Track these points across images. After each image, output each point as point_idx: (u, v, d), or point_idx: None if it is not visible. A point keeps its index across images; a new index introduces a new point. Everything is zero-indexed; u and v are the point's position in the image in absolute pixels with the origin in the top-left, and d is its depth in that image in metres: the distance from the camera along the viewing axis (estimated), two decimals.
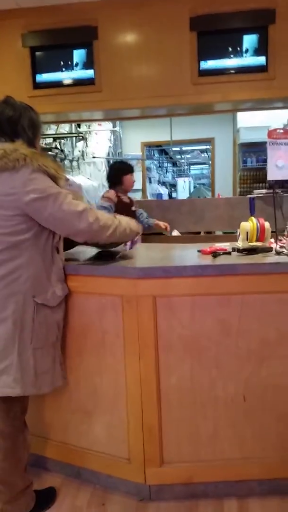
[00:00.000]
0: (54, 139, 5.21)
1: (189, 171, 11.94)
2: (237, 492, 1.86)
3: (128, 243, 1.99)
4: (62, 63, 3.16)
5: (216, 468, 1.83)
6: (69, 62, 3.16)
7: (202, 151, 10.42)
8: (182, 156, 11.22)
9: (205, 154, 10.37)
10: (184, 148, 10.32)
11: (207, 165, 10.53)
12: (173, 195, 10.30)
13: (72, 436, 1.98)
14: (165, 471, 1.84)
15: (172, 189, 11.04)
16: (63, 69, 3.16)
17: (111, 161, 6.06)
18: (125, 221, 1.81)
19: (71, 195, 1.63)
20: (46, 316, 1.66)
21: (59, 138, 5.22)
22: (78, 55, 3.13)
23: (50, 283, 1.68)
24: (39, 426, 2.04)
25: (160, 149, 9.84)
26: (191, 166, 11.99)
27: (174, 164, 11.80)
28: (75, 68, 3.15)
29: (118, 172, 3.61)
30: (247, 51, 2.96)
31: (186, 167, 11.70)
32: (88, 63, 3.13)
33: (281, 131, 1.71)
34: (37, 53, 3.18)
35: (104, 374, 1.85)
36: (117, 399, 1.84)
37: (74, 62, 3.15)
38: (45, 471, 2.07)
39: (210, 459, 1.83)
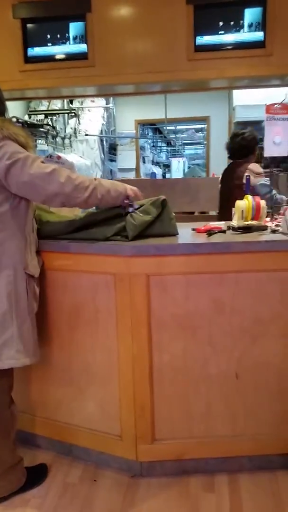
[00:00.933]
0: (46, 116, 5.11)
1: (184, 151, 11.82)
2: (227, 468, 1.88)
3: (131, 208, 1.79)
4: (54, 36, 3.06)
5: (207, 445, 1.85)
6: (62, 36, 3.05)
7: (197, 130, 10.29)
8: (177, 136, 11.08)
9: (200, 133, 10.25)
10: (179, 127, 10.19)
11: (202, 146, 10.42)
12: (167, 175, 10.20)
13: (64, 413, 1.98)
14: (157, 448, 1.85)
15: (166, 169, 10.94)
16: (56, 43, 3.06)
17: (104, 139, 5.98)
18: (108, 182, 1.71)
19: (40, 158, 1.58)
20: (34, 286, 1.69)
21: (51, 114, 5.12)
22: (71, 28, 3.03)
23: (32, 254, 1.68)
24: (30, 403, 2.04)
25: (155, 128, 9.70)
26: (186, 146, 11.86)
27: (169, 143, 11.66)
28: (68, 42, 3.05)
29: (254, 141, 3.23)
30: (244, 26, 2.88)
31: (180, 147, 11.58)
32: (81, 37, 3.02)
33: (279, 105, 1.67)
34: (29, 26, 3.06)
35: (96, 351, 1.85)
36: (109, 377, 1.84)
37: (67, 36, 3.05)
38: (37, 448, 2.08)
39: (202, 435, 1.85)
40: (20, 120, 3.78)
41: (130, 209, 1.74)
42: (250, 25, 2.88)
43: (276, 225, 1.92)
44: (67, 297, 1.84)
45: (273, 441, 1.85)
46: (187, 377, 1.80)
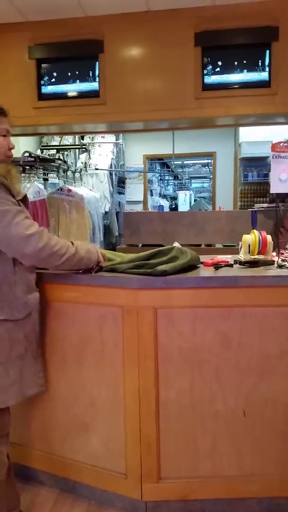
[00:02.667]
0: (58, 150, 5.25)
1: (190, 185, 12.00)
2: (235, 510, 1.82)
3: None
4: (67, 75, 3.19)
5: (214, 485, 1.80)
6: (74, 75, 3.18)
7: (203, 165, 10.49)
8: (184, 170, 11.29)
9: (206, 168, 10.43)
10: (185, 162, 10.39)
11: (208, 179, 10.58)
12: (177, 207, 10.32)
13: (68, 449, 1.94)
14: (162, 487, 1.80)
15: (173, 202, 11.08)
16: (68, 81, 3.19)
17: (113, 173, 6.10)
18: (84, 249, 1.68)
19: (24, 214, 1.51)
20: (8, 330, 1.58)
21: (62, 149, 5.26)
22: (84, 67, 3.16)
23: (13, 295, 1.58)
24: (34, 438, 2.00)
25: (162, 162, 9.90)
26: (192, 180, 12.05)
27: (176, 177, 11.87)
28: (80, 80, 3.18)
29: None
30: (250, 66, 2.99)
31: (187, 180, 11.77)
32: (93, 76, 3.15)
33: (285, 144, 1.71)
34: (43, 65, 3.21)
35: (102, 385, 1.83)
36: (115, 412, 1.82)
37: (79, 75, 3.18)
38: (40, 485, 2.03)
39: (209, 475, 1.80)
40: (32, 155, 3.89)
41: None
42: (255, 66, 2.99)
43: (283, 260, 1.93)
44: (75, 329, 1.84)
45: (281, 483, 1.79)
46: (194, 413, 1.77)
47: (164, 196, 10.86)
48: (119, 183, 6.96)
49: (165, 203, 9.62)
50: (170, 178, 11.80)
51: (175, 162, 9.74)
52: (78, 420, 1.90)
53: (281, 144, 1.72)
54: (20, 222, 1.48)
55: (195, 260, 1.91)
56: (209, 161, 8.68)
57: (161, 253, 1.85)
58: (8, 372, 1.60)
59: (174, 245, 2.01)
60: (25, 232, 1.47)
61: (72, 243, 1.66)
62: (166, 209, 8.98)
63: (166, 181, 11.55)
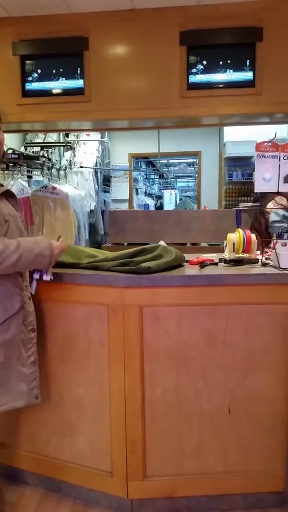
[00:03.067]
0: (42, 148, 5.20)
1: (176, 184, 12.04)
2: (220, 507, 1.83)
3: (36, 274, 1.68)
4: (52, 72, 3.16)
5: (199, 482, 1.81)
6: (59, 72, 3.16)
7: (188, 164, 10.53)
8: (169, 169, 11.31)
9: (192, 168, 10.47)
10: (171, 161, 10.41)
11: (193, 178, 10.64)
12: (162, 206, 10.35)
13: (53, 449, 1.93)
14: (148, 485, 1.80)
15: (158, 200, 11.10)
16: (53, 78, 3.16)
17: (99, 171, 6.07)
18: (28, 254, 1.51)
19: None
20: None
21: (47, 146, 5.21)
22: (68, 65, 3.14)
23: None
24: (19, 438, 1.99)
25: (148, 161, 9.90)
26: (178, 179, 12.09)
27: (161, 176, 11.89)
28: (64, 77, 3.15)
29: None
30: (234, 66, 3.01)
31: (172, 179, 11.80)
32: (78, 73, 3.13)
33: (269, 144, 1.73)
34: (27, 62, 3.17)
35: (88, 385, 1.82)
36: (100, 411, 1.81)
37: (64, 72, 3.15)
38: (25, 485, 2.01)
39: (194, 472, 1.81)
40: (16, 152, 3.86)
41: (45, 278, 1.66)
42: (240, 66, 3.01)
43: (267, 258, 1.95)
44: (60, 329, 1.83)
45: (265, 478, 1.81)
46: (180, 411, 1.78)
47: (149, 195, 10.87)
48: (105, 182, 6.94)
49: (151, 202, 9.62)
50: (155, 177, 11.82)
51: (161, 161, 9.75)
52: (63, 420, 1.89)
53: (265, 143, 1.73)
54: None
55: (180, 259, 1.92)
56: (194, 160, 8.73)
57: (146, 251, 1.86)
58: None
59: (159, 243, 2.02)
60: None
61: (18, 247, 1.50)
62: (152, 208, 8.99)
63: (151, 180, 11.57)
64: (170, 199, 9.80)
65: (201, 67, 3.04)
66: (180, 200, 10.02)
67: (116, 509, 1.85)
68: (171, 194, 9.89)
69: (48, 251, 1.57)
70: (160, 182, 12.10)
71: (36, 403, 1.67)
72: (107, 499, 1.86)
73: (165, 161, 10.27)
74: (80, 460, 1.88)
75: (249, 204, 3.92)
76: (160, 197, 11.14)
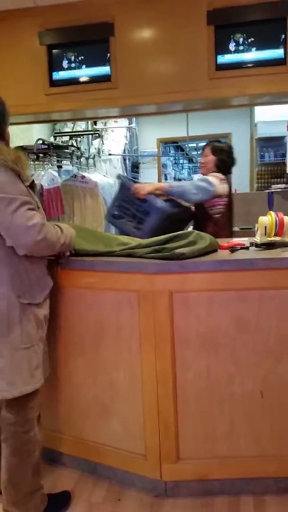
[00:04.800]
0: (71, 137, 5.24)
1: None
2: (253, 490, 1.84)
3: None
4: (78, 60, 3.16)
5: (232, 465, 1.82)
6: (85, 59, 3.15)
7: None
8: (199, 152, 11.12)
9: None
10: (200, 144, 10.22)
11: None
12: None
13: (89, 431, 1.99)
14: (181, 468, 1.83)
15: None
16: (80, 67, 3.16)
17: (127, 158, 6.06)
18: (69, 234, 1.73)
19: (29, 204, 1.50)
20: (34, 313, 1.62)
21: (75, 135, 5.24)
22: (94, 52, 3.13)
23: (32, 280, 1.62)
24: (56, 421, 2.05)
25: (176, 146, 9.78)
26: None
27: (190, 160, 11.72)
28: (91, 65, 3.15)
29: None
30: (264, 44, 2.91)
31: None
32: (104, 60, 3.12)
33: None
34: (54, 51, 3.18)
35: (120, 368, 1.86)
36: (133, 394, 1.84)
37: (90, 59, 3.14)
38: (63, 467, 2.08)
39: (226, 455, 1.82)
40: (46, 142, 3.90)
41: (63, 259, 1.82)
42: (270, 43, 2.91)
43: None
44: (92, 315, 1.87)
45: None
46: (211, 395, 1.78)
47: (179, 180, 10.77)
48: (133, 168, 6.92)
49: None
50: (184, 162, 11.66)
51: (190, 145, 9.61)
52: (97, 402, 1.93)
53: None
54: (24, 213, 1.48)
55: (214, 245, 1.90)
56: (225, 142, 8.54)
57: (179, 237, 1.85)
58: (37, 354, 1.65)
59: (189, 229, 2.01)
60: (27, 223, 1.47)
61: (61, 229, 1.68)
62: None
63: (180, 165, 11.42)
64: None
65: (230, 46, 2.96)
66: None
67: (150, 490, 1.89)
68: None
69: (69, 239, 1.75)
70: (189, 166, 11.94)
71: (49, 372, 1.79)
72: (141, 481, 1.90)
73: (195, 145, 10.11)
74: (114, 442, 1.93)
75: (282, 185, 3.82)
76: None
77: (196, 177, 9.38)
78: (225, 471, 1.83)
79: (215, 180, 2.73)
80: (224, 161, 2.96)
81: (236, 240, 2.04)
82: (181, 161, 11.28)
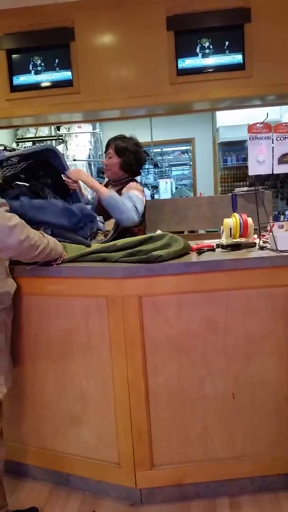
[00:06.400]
0: (34, 143, 5.16)
1: (171, 172, 11.95)
2: (229, 491, 1.84)
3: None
4: (39, 65, 3.12)
5: (207, 468, 1.82)
6: (46, 64, 3.12)
7: (183, 152, 10.45)
8: (163, 157, 11.22)
9: (186, 155, 10.40)
10: (165, 149, 10.33)
11: (188, 166, 10.56)
12: (155, 196, 10.29)
13: (60, 442, 1.94)
14: (156, 474, 1.81)
15: (154, 190, 11.03)
16: (41, 71, 3.12)
17: (92, 164, 6.02)
18: (52, 241, 1.72)
19: (5, 206, 1.49)
20: (2, 317, 1.65)
21: (38, 141, 5.17)
22: (55, 56, 3.09)
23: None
24: (25, 434, 1.99)
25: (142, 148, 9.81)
26: (172, 167, 12.00)
27: (156, 165, 11.79)
28: (52, 70, 3.11)
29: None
30: (224, 49, 2.97)
31: (167, 168, 11.71)
32: (66, 65, 3.09)
33: (261, 125, 1.71)
34: (14, 56, 3.13)
35: (91, 377, 1.82)
36: (105, 402, 1.81)
37: (51, 64, 3.11)
38: (33, 480, 2.02)
39: (201, 459, 1.81)
40: (8, 148, 3.82)
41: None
42: (229, 48, 2.97)
43: (264, 242, 1.94)
44: (60, 323, 1.82)
45: (272, 461, 1.82)
46: (184, 399, 1.78)
47: (145, 185, 10.80)
48: (98, 174, 6.88)
49: (147, 192, 9.57)
50: (150, 167, 11.72)
51: (154, 150, 9.67)
52: (68, 413, 1.89)
53: (257, 125, 1.71)
54: (2, 213, 1.46)
55: (187, 248, 1.89)
56: (188, 147, 8.67)
57: (153, 239, 1.83)
58: (7, 358, 1.66)
59: (157, 233, 2.00)
60: (7, 223, 1.45)
61: (43, 234, 1.66)
62: (148, 198, 8.94)
63: (146, 170, 11.48)
64: (166, 188, 9.74)
65: (190, 52, 2.99)
66: (176, 188, 9.96)
67: (125, 499, 1.86)
68: (166, 183, 9.82)
69: (61, 249, 1.78)
70: (155, 171, 12.01)
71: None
72: (116, 490, 1.87)
73: (159, 150, 10.19)
74: (87, 452, 1.89)
75: (245, 188, 3.88)
76: (156, 187, 11.07)
77: (162, 181, 9.44)
78: (200, 474, 1.83)
79: (140, 200, 2.44)
80: (128, 164, 2.58)
81: (207, 242, 2.05)
82: (146, 166, 11.32)
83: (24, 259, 1.63)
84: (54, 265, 1.76)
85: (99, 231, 2.17)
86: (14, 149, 4.03)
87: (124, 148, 2.56)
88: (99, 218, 2.26)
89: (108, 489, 1.88)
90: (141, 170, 2.73)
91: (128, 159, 2.56)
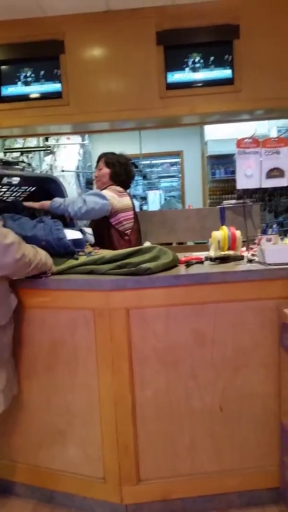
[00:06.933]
0: (22, 153, 5.15)
1: (160, 184, 12.02)
2: (217, 506, 1.82)
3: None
4: (28, 76, 3.13)
5: (194, 483, 1.79)
6: (36, 76, 3.13)
7: (171, 164, 10.53)
8: (152, 169, 11.30)
9: (175, 167, 10.48)
10: (153, 161, 10.40)
11: (177, 178, 10.64)
12: (144, 207, 10.33)
13: (44, 458, 1.90)
14: (142, 489, 1.78)
15: (143, 202, 11.07)
16: (30, 83, 3.13)
17: (81, 175, 6.03)
18: (43, 254, 1.70)
19: (1, 222, 1.49)
20: None
21: (26, 151, 5.17)
22: (45, 68, 3.11)
23: None
24: (7, 449, 1.94)
25: (130, 163, 9.86)
26: (161, 179, 12.07)
27: (144, 177, 11.86)
28: (42, 81, 3.13)
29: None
30: (213, 64, 3.02)
31: (156, 180, 11.78)
32: (55, 77, 3.11)
33: (250, 140, 1.73)
34: (3, 67, 3.14)
35: (76, 391, 1.79)
36: (90, 417, 1.78)
37: (41, 76, 3.12)
38: (15, 497, 1.97)
39: (189, 473, 1.79)
40: (3, 159, 3.81)
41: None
42: (218, 63, 3.02)
43: (252, 255, 1.95)
44: (45, 335, 1.80)
45: (260, 475, 1.80)
46: (171, 412, 1.76)
47: (134, 196, 10.83)
48: (87, 185, 6.89)
49: (136, 203, 9.58)
50: (139, 178, 11.77)
51: (143, 162, 9.74)
52: (53, 428, 1.85)
53: (246, 140, 1.73)
54: None
55: (176, 260, 1.89)
56: (177, 160, 8.74)
57: (142, 251, 1.83)
58: (1, 377, 1.61)
59: (145, 244, 2.00)
60: (3, 241, 1.41)
61: (36, 249, 1.65)
62: (137, 210, 8.96)
63: (135, 181, 11.53)
64: (154, 200, 9.79)
65: (179, 66, 3.03)
66: (165, 200, 10.01)
67: None
68: (155, 194, 9.87)
69: (50, 262, 1.75)
70: (143, 183, 12.07)
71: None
72: (101, 506, 1.83)
73: (148, 162, 10.26)
74: (72, 468, 1.85)
75: (233, 201, 3.92)
76: (144, 198, 11.11)
77: (151, 193, 9.47)
78: (187, 489, 1.80)
79: (109, 193, 2.54)
80: (117, 174, 2.71)
81: (196, 255, 2.05)
82: (135, 177, 11.37)
83: (18, 276, 1.61)
84: (43, 278, 1.73)
85: (86, 243, 2.15)
86: (1, 159, 4.01)
87: (114, 160, 2.70)
88: (88, 230, 2.25)
89: (93, 505, 1.85)
90: (130, 184, 2.82)
91: (117, 170, 2.69)
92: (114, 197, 2.54)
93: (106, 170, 2.71)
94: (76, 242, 1.92)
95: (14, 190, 2.12)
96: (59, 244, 1.83)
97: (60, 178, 5.63)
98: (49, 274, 1.75)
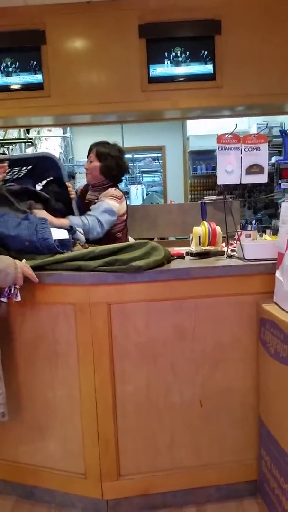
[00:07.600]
0: (2, 145, 5.06)
1: (142, 179, 12.00)
2: (196, 500, 1.84)
3: (5, 293, 1.61)
4: (9, 67, 3.07)
5: (174, 477, 1.81)
6: (17, 66, 3.07)
7: (153, 159, 10.52)
8: (134, 164, 11.26)
9: (157, 162, 10.48)
10: (136, 156, 10.37)
11: (159, 173, 10.65)
12: (126, 202, 10.31)
13: (24, 453, 1.88)
14: (123, 484, 1.78)
15: (125, 196, 11.04)
16: (11, 74, 3.07)
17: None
18: (9, 262, 1.57)
19: None
20: None
21: (7, 143, 5.08)
22: (26, 59, 3.05)
23: None
24: None
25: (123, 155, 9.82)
26: (143, 174, 12.05)
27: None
28: (23, 72, 3.07)
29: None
30: (195, 59, 3.01)
31: (138, 174, 11.76)
32: (36, 68, 3.06)
33: (230, 136, 1.73)
34: None
35: (57, 386, 1.78)
36: (71, 412, 1.77)
37: (22, 66, 3.07)
38: None
39: (168, 467, 1.80)
40: None
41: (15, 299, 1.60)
42: (200, 59, 3.01)
43: (232, 250, 1.96)
44: (26, 331, 1.78)
45: (238, 468, 1.83)
46: (151, 408, 1.76)
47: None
48: (69, 178, 6.83)
49: None
50: None
51: (126, 156, 9.70)
52: (33, 423, 1.84)
53: (227, 135, 1.73)
54: None
55: (168, 257, 1.83)
56: (159, 155, 8.73)
57: (132, 247, 1.77)
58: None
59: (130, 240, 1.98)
60: None
61: None
62: None
63: None
64: (136, 195, 9.77)
65: (161, 60, 3.02)
66: (147, 195, 10.01)
67: (91, 510, 1.82)
68: (137, 189, 9.86)
69: (12, 269, 1.55)
70: (126, 177, 12.03)
71: (2, 421, 1.63)
72: (82, 502, 1.83)
73: (130, 156, 10.22)
74: (52, 463, 1.84)
75: (214, 197, 3.95)
76: (127, 193, 11.08)
77: (133, 187, 9.45)
78: (167, 483, 1.81)
79: (116, 205, 2.47)
80: (108, 168, 2.52)
81: (177, 250, 2.05)
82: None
83: None
84: (4, 300, 1.61)
85: (77, 241, 2.11)
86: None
87: (106, 153, 2.52)
88: (79, 229, 2.21)
89: (74, 501, 1.84)
90: (122, 178, 2.70)
91: (109, 164, 2.52)
92: (117, 206, 2.48)
93: (97, 164, 2.52)
94: (62, 242, 1.87)
95: (14, 172, 2.05)
96: (43, 244, 1.76)
97: None
98: (13, 290, 1.60)
